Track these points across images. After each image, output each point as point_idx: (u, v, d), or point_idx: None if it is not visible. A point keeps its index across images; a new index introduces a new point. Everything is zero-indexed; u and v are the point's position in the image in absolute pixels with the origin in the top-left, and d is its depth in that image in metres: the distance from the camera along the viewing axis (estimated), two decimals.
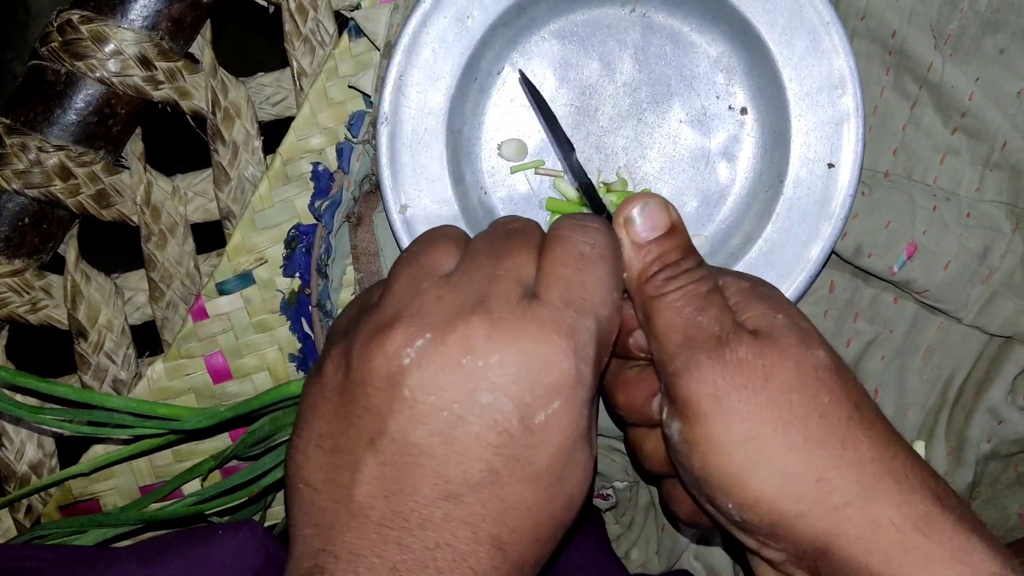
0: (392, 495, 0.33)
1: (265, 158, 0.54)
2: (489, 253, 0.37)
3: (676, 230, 0.40)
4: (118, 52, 0.49)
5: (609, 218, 0.43)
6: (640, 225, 0.39)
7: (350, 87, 0.52)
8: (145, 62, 0.49)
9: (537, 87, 0.51)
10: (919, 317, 0.58)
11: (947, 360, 0.58)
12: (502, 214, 0.54)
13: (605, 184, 0.53)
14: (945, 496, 0.37)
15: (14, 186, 0.48)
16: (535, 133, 0.54)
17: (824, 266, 0.54)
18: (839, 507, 0.36)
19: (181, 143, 0.54)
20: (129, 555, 0.41)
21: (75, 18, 0.48)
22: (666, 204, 0.40)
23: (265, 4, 0.52)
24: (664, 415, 0.39)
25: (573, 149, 0.48)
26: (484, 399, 0.33)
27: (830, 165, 0.52)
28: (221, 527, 0.45)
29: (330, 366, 0.36)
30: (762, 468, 0.36)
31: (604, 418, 0.54)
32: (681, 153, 0.54)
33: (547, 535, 0.36)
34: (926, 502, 0.36)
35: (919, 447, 0.58)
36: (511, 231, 0.38)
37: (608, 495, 0.55)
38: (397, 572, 0.33)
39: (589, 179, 0.46)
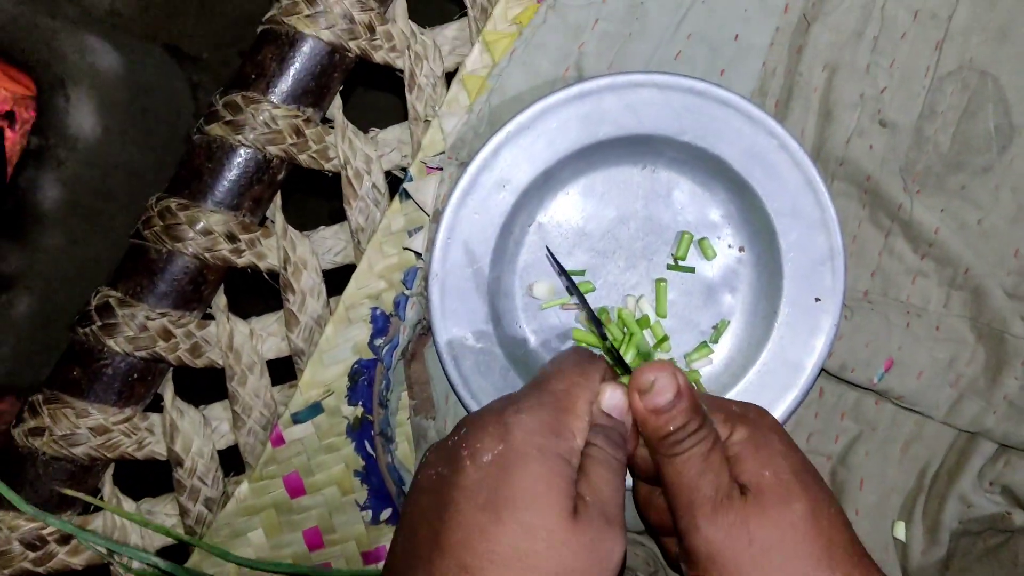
0: None
1: (329, 302, 0.62)
2: None
3: (681, 395, 0.47)
4: (209, 231, 0.57)
5: (628, 369, 0.52)
6: (651, 395, 0.47)
7: (405, 248, 0.60)
8: (231, 237, 0.58)
9: (557, 254, 0.61)
10: (897, 415, 0.66)
11: (922, 452, 0.67)
12: (535, 345, 0.62)
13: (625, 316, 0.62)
14: None
15: (126, 349, 0.57)
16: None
17: (815, 380, 0.63)
18: None
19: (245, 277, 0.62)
20: None
21: (173, 205, 0.56)
22: (673, 374, 0.47)
23: (328, 172, 0.61)
24: (678, 552, 0.48)
25: (600, 324, 0.56)
26: None
27: (816, 299, 0.61)
28: None
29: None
30: None
31: (631, 515, 0.63)
32: (690, 286, 0.63)
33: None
34: None
35: (900, 528, 0.67)
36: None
37: None
38: None
39: (612, 345, 0.55)
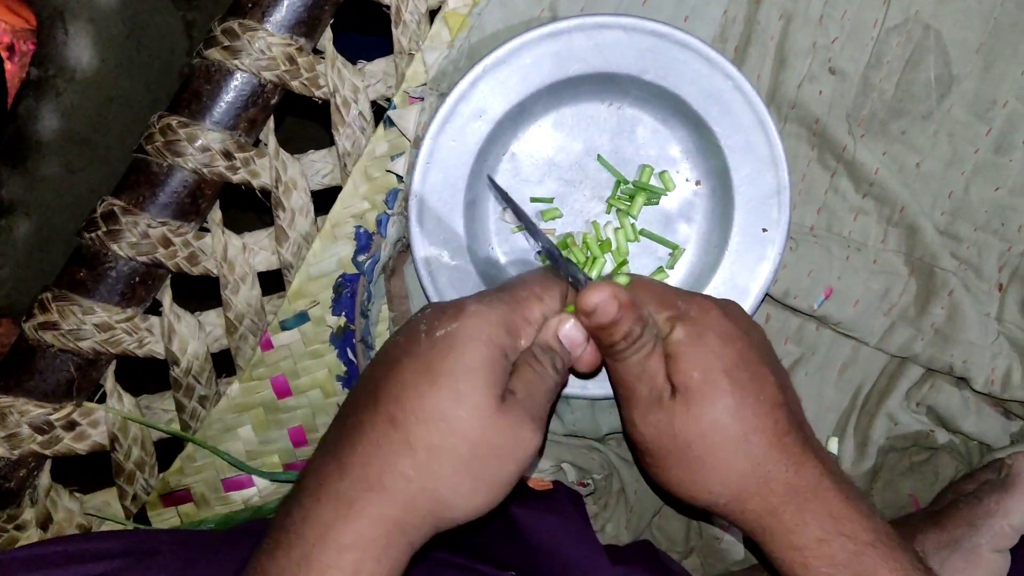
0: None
1: (316, 219, 0.68)
2: None
3: (624, 309, 0.51)
4: (207, 148, 0.62)
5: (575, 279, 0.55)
6: (595, 316, 0.51)
7: (387, 171, 0.66)
8: (227, 154, 0.62)
9: (528, 183, 0.65)
10: (835, 340, 0.73)
11: (856, 374, 0.73)
12: (505, 264, 0.68)
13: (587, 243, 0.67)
14: None
15: (128, 254, 0.62)
16: (530, 200, 0.68)
17: (761, 303, 0.69)
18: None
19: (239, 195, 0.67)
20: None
21: (174, 123, 0.61)
22: (614, 295, 0.51)
23: (317, 99, 0.66)
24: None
25: (548, 244, 0.59)
26: None
27: (764, 230, 0.66)
28: None
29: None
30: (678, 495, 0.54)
31: (587, 422, 0.69)
32: (649, 216, 0.68)
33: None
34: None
35: (833, 443, 0.74)
36: None
37: (588, 483, 0.70)
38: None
39: (557, 255, 0.58)
